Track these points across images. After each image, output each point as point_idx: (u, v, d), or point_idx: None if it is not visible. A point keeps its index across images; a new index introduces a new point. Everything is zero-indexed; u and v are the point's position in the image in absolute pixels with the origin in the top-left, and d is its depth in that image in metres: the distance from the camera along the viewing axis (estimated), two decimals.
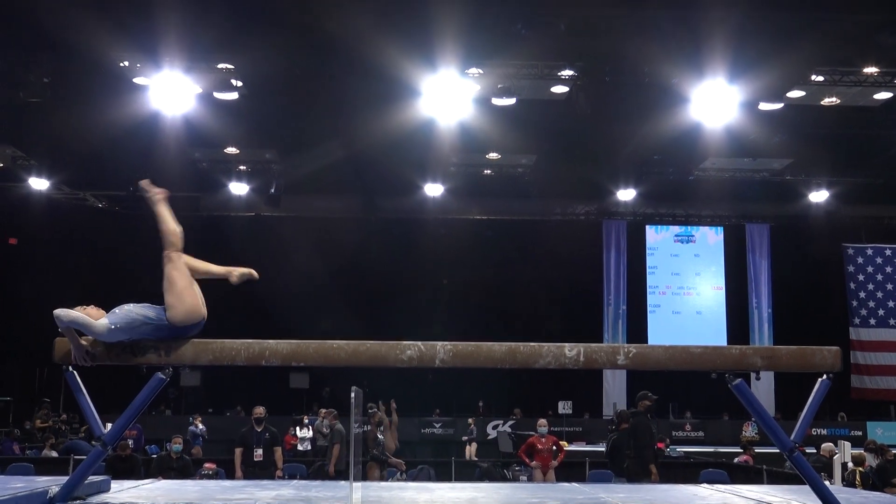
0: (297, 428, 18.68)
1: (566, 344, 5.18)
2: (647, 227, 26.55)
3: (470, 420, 19.18)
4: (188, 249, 5.37)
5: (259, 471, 11.73)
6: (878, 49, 15.61)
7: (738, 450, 18.68)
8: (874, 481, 11.54)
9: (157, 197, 5.33)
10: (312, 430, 18.28)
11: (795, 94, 17.47)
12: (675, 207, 26.20)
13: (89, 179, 23.16)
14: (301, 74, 16.03)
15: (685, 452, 18.90)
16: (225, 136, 20.14)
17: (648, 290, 26.28)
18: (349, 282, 24.78)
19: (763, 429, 5.33)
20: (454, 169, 22.97)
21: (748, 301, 26.10)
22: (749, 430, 21.59)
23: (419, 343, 5.11)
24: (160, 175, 21.65)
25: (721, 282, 26.53)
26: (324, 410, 18.88)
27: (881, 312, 24.96)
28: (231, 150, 22.03)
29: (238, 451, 12.08)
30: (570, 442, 20.28)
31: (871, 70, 16.55)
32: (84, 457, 6.32)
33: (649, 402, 10.99)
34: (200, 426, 19.57)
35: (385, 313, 23.59)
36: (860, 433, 21.80)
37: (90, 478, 5.40)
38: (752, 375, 5.41)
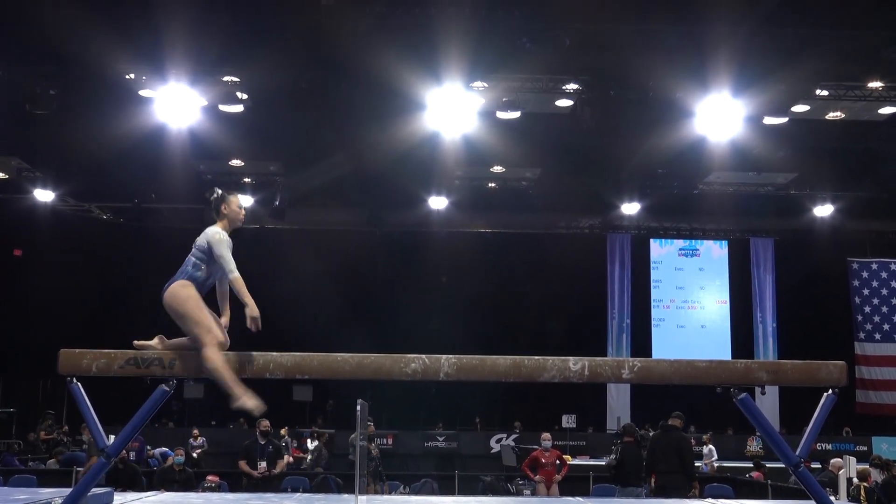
0: (308, 441, 18.61)
1: (571, 358, 5.17)
2: (652, 240, 26.51)
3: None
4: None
5: (262, 483, 11.74)
6: (883, 64, 15.62)
7: (743, 464, 18.72)
8: (879, 497, 11.48)
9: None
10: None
11: (800, 108, 17.46)
12: (680, 221, 26.17)
13: (94, 191, 23.19)
14: (306, 87, 16.05)
15: None
16: (230, 149, 20.18)
17: (653, 303, 26.23)
18: (353, 294, 24.78)
19: (768, 443, 5.32)
20: (458, 182, 22.97)
21: (753, 315, 26.03)
22: (754, 445, 21.53)
23: (423, 356, 5.11)
24: (165, 187, 21.85)
25: (725, 296, 26.48)
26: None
27: (886, 327, 24.89)
28: (236, 162, 22.07)
29: (242, 462, 12.10)
30: (573, 456, 20.20)
31: (875, 85, 16.55)
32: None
33: (681, 420, 10.87)
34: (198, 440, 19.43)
35: (389, 326, 23.56)
36: (865, 448, 21.68)
37: (93, 490, 5.40)
38: (757, 390, 5.40)
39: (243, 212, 5.58)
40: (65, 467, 14.68)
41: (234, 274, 5.22)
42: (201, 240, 5.36)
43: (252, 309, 5.10)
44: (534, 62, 15.39)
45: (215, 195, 5.56)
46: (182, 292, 5.19)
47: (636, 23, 14.27)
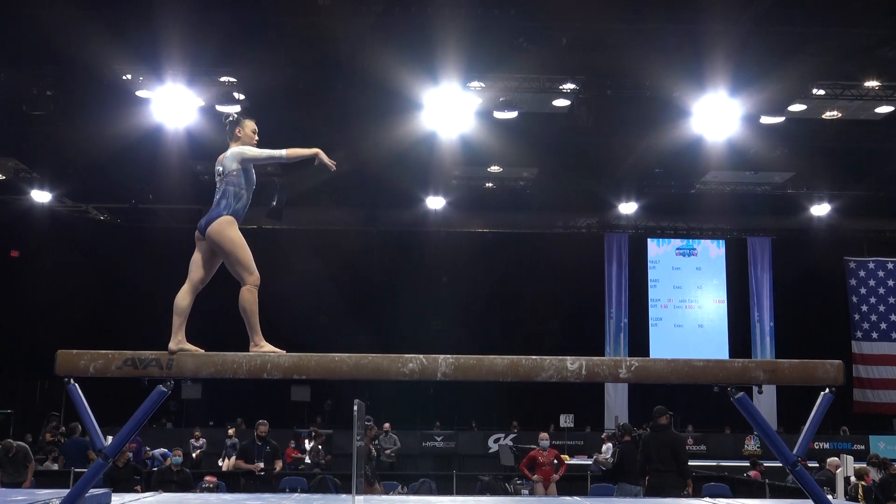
0: (307, 441, 18.60)
1: (568, 357, 5.17)
2: (649, 240, 26.51)
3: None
4: (187, 263, 5.44)
5: (260, 484, 11.74)
6: (879, 63, 15.64)
7: (740, 463, 18.73)
8: (877, 496, 11.49)
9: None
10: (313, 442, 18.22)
11: (797, 107, 17.49)
12: (677, 220, 26.18)
13: (91, 192, 23.18)
14: (303, 87, 16.06)
15: None
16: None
17: (650, 303, 26.23)
18: (351, 294, 24.78)
19: (766, 442, 5.32)
20: (456, 182, 22.98)
21: (750, 314, 26.04)
22: (751, 444, 21.53)
23: (421, 356, 5.11)
24: (163, 187, 21.81)
25: (723, 295, 26.48)
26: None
27: (883, 326, 24.92)
28: None
29: (239, 462, 12.11)
30: (571, 455, 20.21)
31: (872, 84, 16.56)
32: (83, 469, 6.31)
33: (667, 416, 10.78)
34: (200, 440, 19.45)
35: (387, 325, 23.57)
36: (863, 447, 21.71)
37: (91, 491, 5.39)
38: (755, 389, 5.40)
39: (257, 137, 5.71)
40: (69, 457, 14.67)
41: (284, 152, 5.47)
42: (229, 164, 5.47)
43: (317, 151, 5.55)
44: (531, 62, 15.39)
45: (231, 118, 5.72)
46: (230, 231, 5.36)
47: (633, 22, 14.28)
